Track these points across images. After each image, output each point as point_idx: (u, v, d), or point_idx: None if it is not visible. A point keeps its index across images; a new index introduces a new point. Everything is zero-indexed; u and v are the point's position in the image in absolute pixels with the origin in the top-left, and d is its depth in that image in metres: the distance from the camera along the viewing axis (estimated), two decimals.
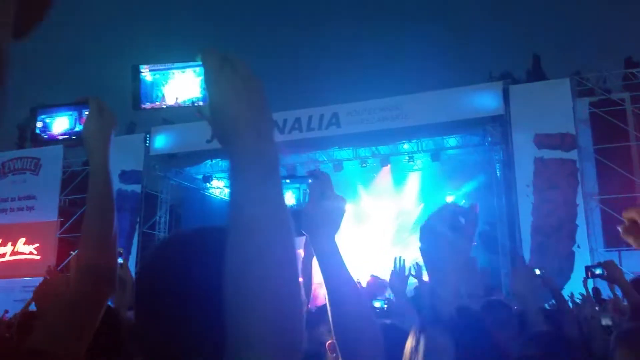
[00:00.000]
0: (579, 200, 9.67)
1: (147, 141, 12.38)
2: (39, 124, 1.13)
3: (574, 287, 6.30)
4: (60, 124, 1.14)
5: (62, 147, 13.92)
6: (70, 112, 1.15)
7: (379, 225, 12.27)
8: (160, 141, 12.33)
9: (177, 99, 0.78)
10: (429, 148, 11.24)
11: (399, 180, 12.24)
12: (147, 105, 0.79)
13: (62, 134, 1.15)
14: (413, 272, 3.01)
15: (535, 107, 9.93)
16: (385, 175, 11.64)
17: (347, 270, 1.03)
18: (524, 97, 10.21)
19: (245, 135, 0.64)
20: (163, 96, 0.78)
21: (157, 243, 0.85)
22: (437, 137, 11.09)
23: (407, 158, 11.34)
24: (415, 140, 11.20)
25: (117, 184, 11.96)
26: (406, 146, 11.39)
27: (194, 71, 0.75)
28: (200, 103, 0.74)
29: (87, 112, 1.14)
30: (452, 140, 11.29)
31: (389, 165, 11.17)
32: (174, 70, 0.78)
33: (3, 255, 12.91)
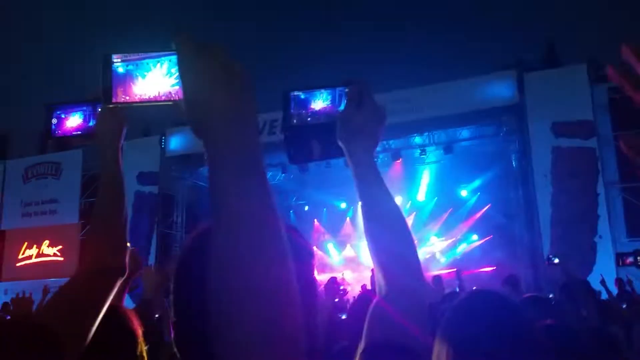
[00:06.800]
0: (600, 189, 9.36)
1: (163, 143, 12.60)
2: (54, 121, 1.17)
3: (597, 279, 6.08)
4: (74, 120, 1.18)
5: (82, 151, 14.36)
6: (84, 109, 1.19)
7: None
8: (175, 142, 12.54)
9: (152, 92, 0.73)
10: (441, 140, 11.06)
11: (411, 174, 12.10)
12: (120, 100, 0.74)
13: (76, 130, 1.18)
14: None
15: (551, 95, 9.65)
16: (397, 169, 11.52)
17: (384, 184, 0.95)
18: (539, 84, 9.93)
19: (220, 126, 0.59)
20: (138, 89, 0.73)
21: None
22: (449, 129, 10.90)
23: (419, 151, 11.19)
24: (426, 133, 11.04)
25: (135, 186, 12.40)
26: (418, 139, 11.24)
27: (170, 61, 0.71)
28: (177, 97, 0.69)
29: (100, 109, 1.17)
30: (465, 132, 11.08)
31: (400, 159, 11.04)
32: (150, 62, 0.73)
33: (29, 257, 13.40)
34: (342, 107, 0.94)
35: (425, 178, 12.26)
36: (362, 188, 0.94)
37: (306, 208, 13.88)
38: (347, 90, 0.95)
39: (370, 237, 0.93)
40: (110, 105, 0.76)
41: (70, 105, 1.19)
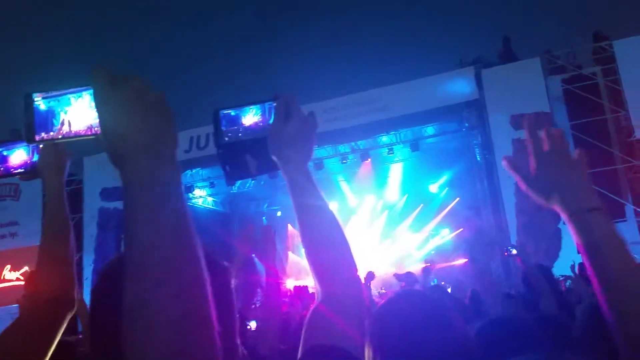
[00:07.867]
0: None
1: None
2: None
3: (564, 266, 6.30)
4: (17, 156, 1.18)
5: None
6: (27, 144, 1.18)
7: (366, 221, 12.27)
8: None
9: (74, 127, 0.73)
10: (407, 139, 11.24)
11: (380, 173, 12.26)
12: (43, 136, 0.74)
13: (18, 166, 1.17)
14: None
15: (508, 89, 9.98)
16: (366, 169, 11.63)
17: (320, 194, 0.94)
18: (497, 79, 10.25)
19: (136, 157, 0.59)
20: (60, 124, 0.74)
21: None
22: (414, 127, 11.09)
23: (387, 150, 11.34)
24: (393, 132, 11.19)
25: (99, 203, 12.02)
26: (385, 139, 11.38)
27: (90, 94, 0.71)
28: (98, 129, 0.69)
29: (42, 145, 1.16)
30: (429, 129, 11.31)
31: (369, 160, 11.15)
32: (71, 96, 0.73)
33: None
34: (272, 121, 0.95)
35: (395, 176, 12.43)
36: (297, 199, 0.93)
37: (279, 213, 13.79)
38: (274, 104, 0.95)
39: (306, 245, 0.93)
40: (34, 143, 0.77)
41: (12, 142, 1.18)
